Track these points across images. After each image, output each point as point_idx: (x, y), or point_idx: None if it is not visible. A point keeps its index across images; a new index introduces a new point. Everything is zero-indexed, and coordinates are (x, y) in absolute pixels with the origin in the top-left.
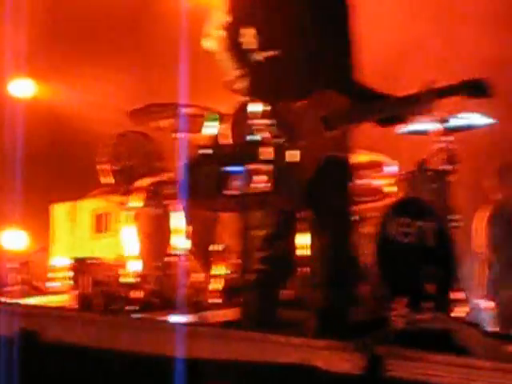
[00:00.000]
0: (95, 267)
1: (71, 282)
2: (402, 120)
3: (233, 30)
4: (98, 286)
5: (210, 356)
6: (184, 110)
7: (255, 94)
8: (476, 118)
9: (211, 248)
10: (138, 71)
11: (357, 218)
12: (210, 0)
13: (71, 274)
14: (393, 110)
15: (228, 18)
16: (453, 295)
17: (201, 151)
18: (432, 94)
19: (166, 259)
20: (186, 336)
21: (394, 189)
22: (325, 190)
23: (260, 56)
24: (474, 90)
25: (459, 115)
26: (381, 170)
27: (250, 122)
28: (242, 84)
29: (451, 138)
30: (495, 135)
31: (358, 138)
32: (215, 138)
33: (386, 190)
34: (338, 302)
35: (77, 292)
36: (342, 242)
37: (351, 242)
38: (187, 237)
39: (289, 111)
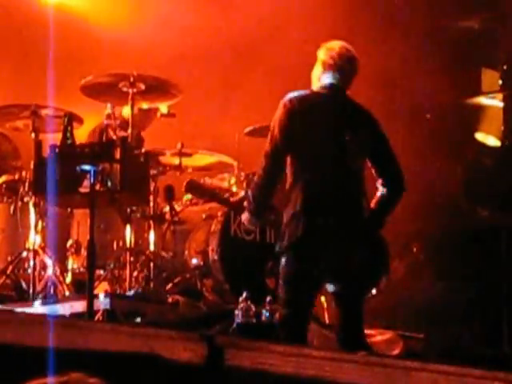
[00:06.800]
0: None
1: None
2: None
3: None
4: None
5: (61, 345)
6: (42, 111)
7: None
8: None
9: (67, 243)
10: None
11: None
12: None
13: None
14: None
15: None
16: None
17: (56, 150)
18: None
19: (23, 254)
20: (39, 326)
21: (236, 188)
22: None
23: None
24: None
25: None
26: (225, 170)
27: (105, 122)
28: None
29: None
30: None
31: (203, 140)
32: (70, 137)
33: (229, 188)
34: None
35: None
36: None
37: None
38: (41, 232)
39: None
